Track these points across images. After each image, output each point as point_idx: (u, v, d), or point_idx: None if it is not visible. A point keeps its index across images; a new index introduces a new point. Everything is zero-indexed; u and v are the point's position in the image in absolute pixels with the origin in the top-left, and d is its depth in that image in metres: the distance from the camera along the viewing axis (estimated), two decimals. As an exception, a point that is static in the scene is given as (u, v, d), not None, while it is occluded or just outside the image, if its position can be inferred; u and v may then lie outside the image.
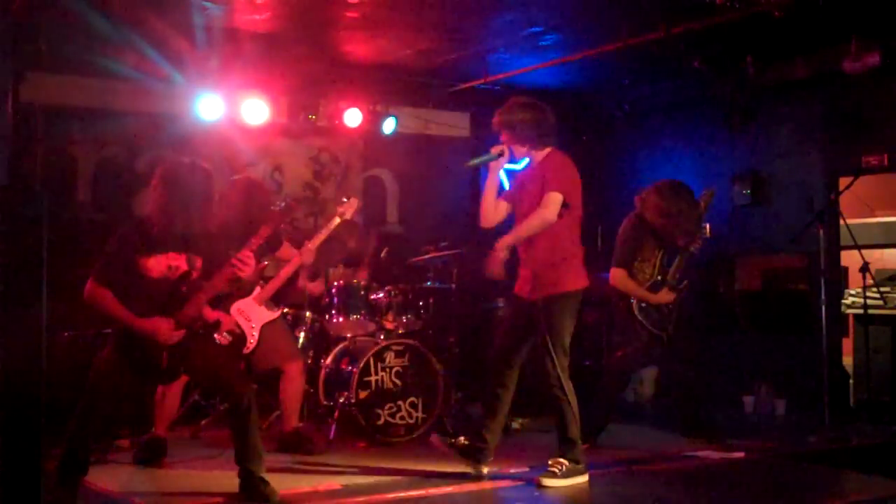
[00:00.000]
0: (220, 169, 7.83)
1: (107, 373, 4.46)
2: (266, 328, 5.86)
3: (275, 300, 6.04)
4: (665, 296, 6.16)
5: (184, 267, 4.55)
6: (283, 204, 5.40)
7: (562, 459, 5.01)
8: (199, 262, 4.60)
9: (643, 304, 6.13)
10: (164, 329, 4.45)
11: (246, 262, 4.56)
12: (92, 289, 4.44)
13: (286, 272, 6.01)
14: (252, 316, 5.83)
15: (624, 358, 6.23)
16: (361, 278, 6.87)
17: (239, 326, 5.69)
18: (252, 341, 5.78)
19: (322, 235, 6.14)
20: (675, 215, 6.10)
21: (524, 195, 5.21)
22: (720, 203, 8.24)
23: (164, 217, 4.52)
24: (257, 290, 5.84)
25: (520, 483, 5.10)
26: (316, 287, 6.88)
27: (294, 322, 6.60)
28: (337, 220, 6.19)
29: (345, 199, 6.32)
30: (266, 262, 6.25)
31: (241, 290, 5.60)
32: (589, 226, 9.20)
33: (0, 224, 2.92)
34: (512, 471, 5.33)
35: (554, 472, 4.97)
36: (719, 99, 7.87)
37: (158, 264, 4.51)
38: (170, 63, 7.19)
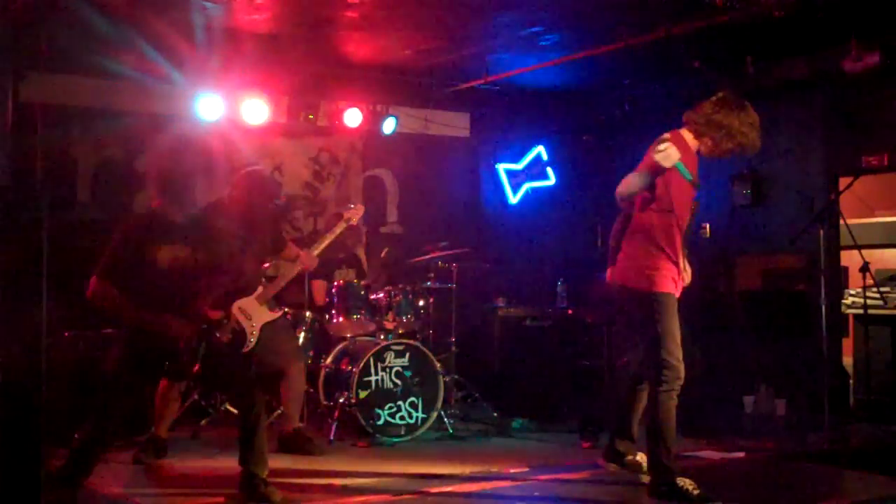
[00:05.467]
0: (219, 169, 7.85)
1: (119, 374, 4.43)
2: (266, 328, 5.83)
3: (276, 300, 6.03)
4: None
5: (190, 261, 4.55)
6: (279, 201, 5.38)
7: None
8: (203, 257, 4.60)
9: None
10: (176, 324, 4.43)
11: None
12: (97, 286, 4.38)
13: (290, 274, 6.00)
14: (253, 315, 5.82)
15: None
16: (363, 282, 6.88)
17: (239, 324, 5.67)
18: (251, 340, 5.76)
19: (326, 241, 6.12)
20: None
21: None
22: (720, 203, 8.26)
23: (162, 204, 4.53)
24: (259, 289, 5.83)
25: (520, 483, 5.10)
26: (319, 294, 6.89)
27: (294, 322, 6.60)
28: (343, 226, 6.16)
29: (351, 206, 6.29)
30: (269, 263, 6.25)
31: (244, 288, 5.61)
32: (588, 226, 9.34)
33: (0, 224, 2.92)
34: (512, 471, 5.33)
35: None
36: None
37: (165, 255, 4.49)
38: (170, 63, 7.19)
